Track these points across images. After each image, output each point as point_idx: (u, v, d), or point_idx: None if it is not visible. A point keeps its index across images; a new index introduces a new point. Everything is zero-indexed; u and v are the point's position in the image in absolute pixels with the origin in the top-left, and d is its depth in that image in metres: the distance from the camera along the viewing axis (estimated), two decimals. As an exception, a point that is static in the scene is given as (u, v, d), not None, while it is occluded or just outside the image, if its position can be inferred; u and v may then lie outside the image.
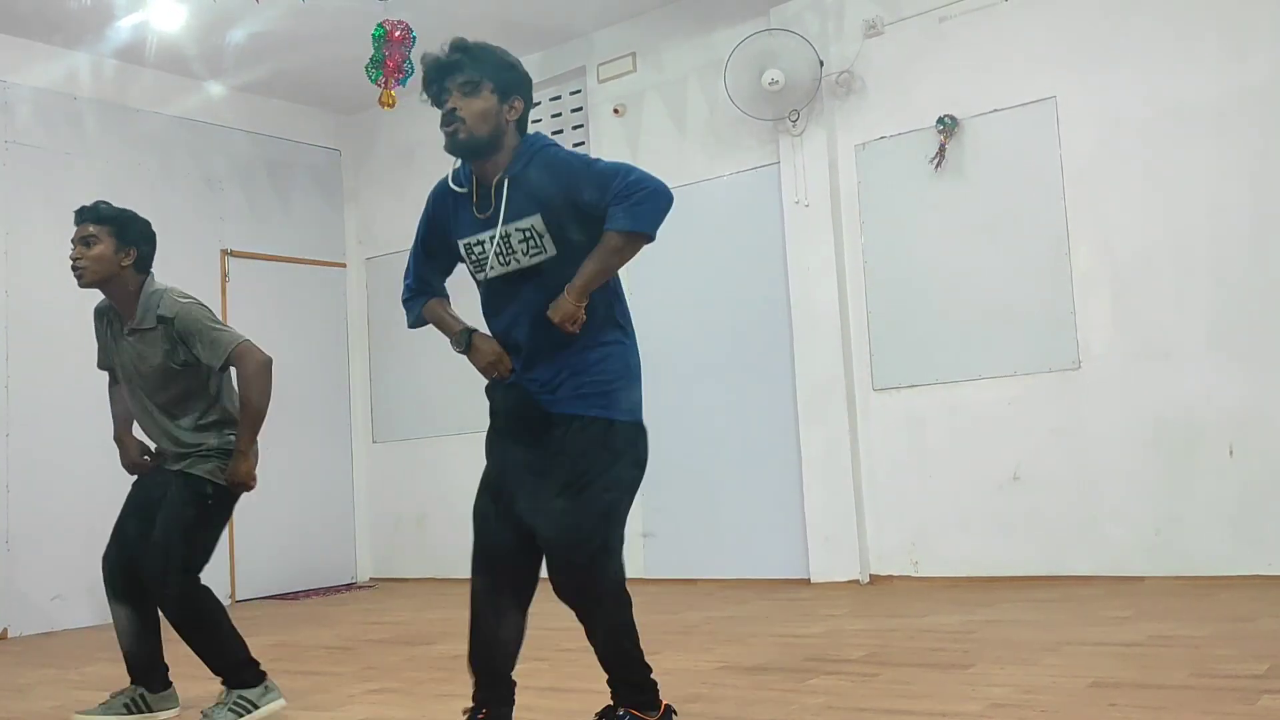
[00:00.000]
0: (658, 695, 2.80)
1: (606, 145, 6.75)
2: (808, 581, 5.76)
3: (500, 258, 2.73)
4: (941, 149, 5.48)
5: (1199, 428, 4.86)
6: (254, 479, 3.44)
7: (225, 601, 6.81)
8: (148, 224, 3.59)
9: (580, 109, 7.00)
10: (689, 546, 6.28)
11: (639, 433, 2.98)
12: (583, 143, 6.96)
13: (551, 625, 4.98)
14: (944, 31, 5.60)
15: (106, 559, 3.67)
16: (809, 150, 5.89)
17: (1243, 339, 4.79)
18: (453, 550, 7.51)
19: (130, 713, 3.46)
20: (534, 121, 7.58)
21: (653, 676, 2.82)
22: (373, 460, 7.74)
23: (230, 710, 3.29)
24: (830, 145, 5.87)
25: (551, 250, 2.68)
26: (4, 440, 5.96)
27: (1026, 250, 5.33)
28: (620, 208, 2.61)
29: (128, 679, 3.61)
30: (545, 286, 2.68)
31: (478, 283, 2.88)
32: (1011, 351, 5.35)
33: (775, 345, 5.97)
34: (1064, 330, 5.20)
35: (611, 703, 2.81)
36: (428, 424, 7.41)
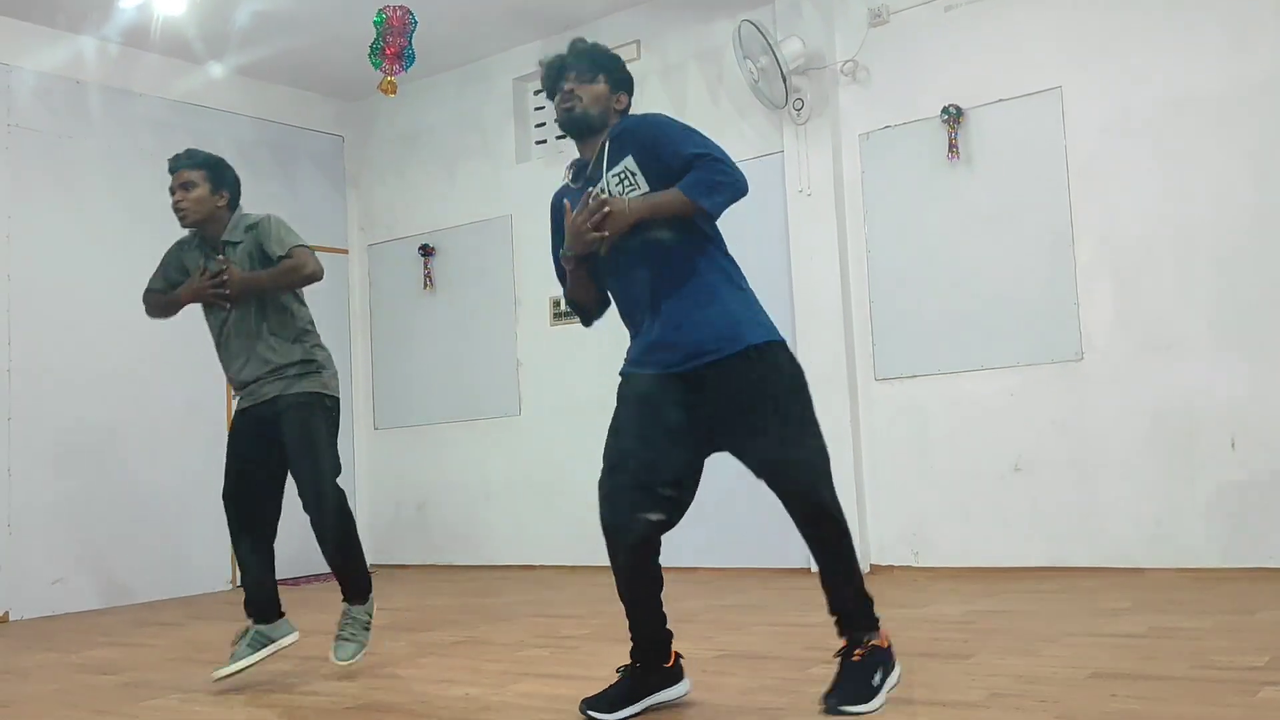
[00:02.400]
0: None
1: (610, 133, 6.73)
2: (808, 571, 5.76)
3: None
4: (953, 139, 5.46)
5: (1201, 420, 4.86)
6: (231, 287, 3.63)
7: (226, 587, 6.85)
8: (233, 169, 3.89)
9: (584, 96, 6.97)
10: (689, 535, 6.24)
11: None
12: (586, 130, 6.94)
13: (553, 613, 5.01)
14: (949, 21, 5.58)
15: (226, 496, 3.93)
16: (813, 139, 5.87)
17: (1245, 331, 4.79)
18: (452, 536, 7.56)
19: (256, 649, 3.69)
20: (537, 109, 7.59)
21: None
22: (374, 447, 7.74)
23: (364, 627, 3.66)
24: (834, 134, 5.85)
25: (643, 186, 2.88)
26: (6, 423, 5.96)
27: (1030, 241, 5.32)
28: (701, 175, 2.82)
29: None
30: (647, 231, 2.85)
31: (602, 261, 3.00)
32: (1014, 342, 5.34)
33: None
34: (1066, 321, 5.19)
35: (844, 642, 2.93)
36: (429, 411, 7.42)
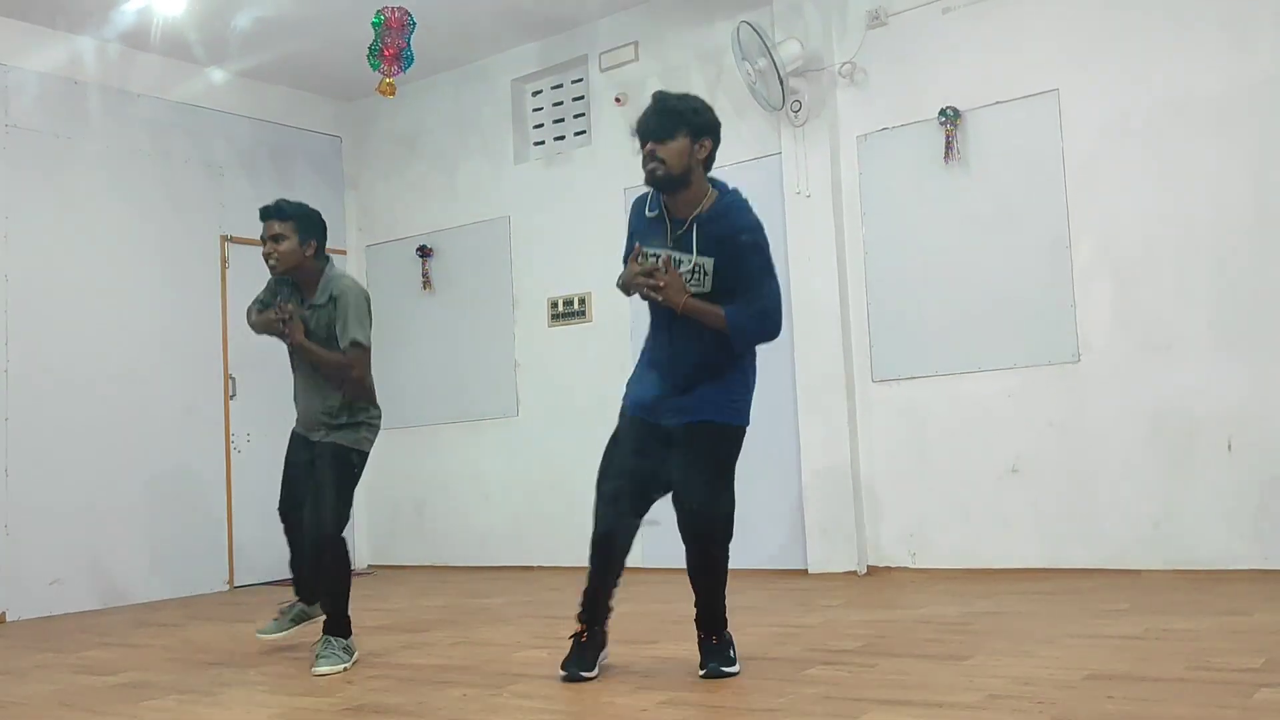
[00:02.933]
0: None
1: (608, 135, 6.74)
2: (805, 572, 5.77)
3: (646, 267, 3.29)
4: (949, 142, 5.47)
5: (1198, 421, 4.86)
6: (286, 326, 3.93)
7: (223, 587, 6.85)
8: (320, 216, 4.05)
9: (582, 98, 6.99)
10: (687, 536, 6.28)
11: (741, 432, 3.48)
12: (584, 131, 6.95)
13: (550, 614, 5.01)
14: (947, 23, 5.59)
15: (281, 505, 4.28)
16: (811, 141, 5.88)
17: (1243, 333, 4.80)
18: (450, 537, 7.56)
19: (298, 623, 4.24)
20: (535, 110, 7.61)
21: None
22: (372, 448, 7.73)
23: (343, 650, 3.86)
24: (832, 136, 5.86)
25: (707, 287, 3.27)
26: (4, 424, 5.96)
27: (1027, 243, 5.33)
28: (749, 318, 3.28)
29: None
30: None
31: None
32: (1011, 344, 5.35)
33: (775, 336, 5.97)
34: (1064, 323, 5.20)
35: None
36: (427, 411, 7.42)
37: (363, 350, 3.93)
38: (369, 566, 7.66)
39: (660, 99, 3.31)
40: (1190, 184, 4.93)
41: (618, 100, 6.67)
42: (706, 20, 6.33)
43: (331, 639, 3.89)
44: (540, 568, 6.85)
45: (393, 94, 5.58)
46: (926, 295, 5.58)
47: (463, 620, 4.91)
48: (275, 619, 4.30)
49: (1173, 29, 5.00)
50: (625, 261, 3.44)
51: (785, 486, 5.89)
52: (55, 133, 6.34)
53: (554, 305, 6.92)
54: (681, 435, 3.37)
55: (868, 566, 5.66)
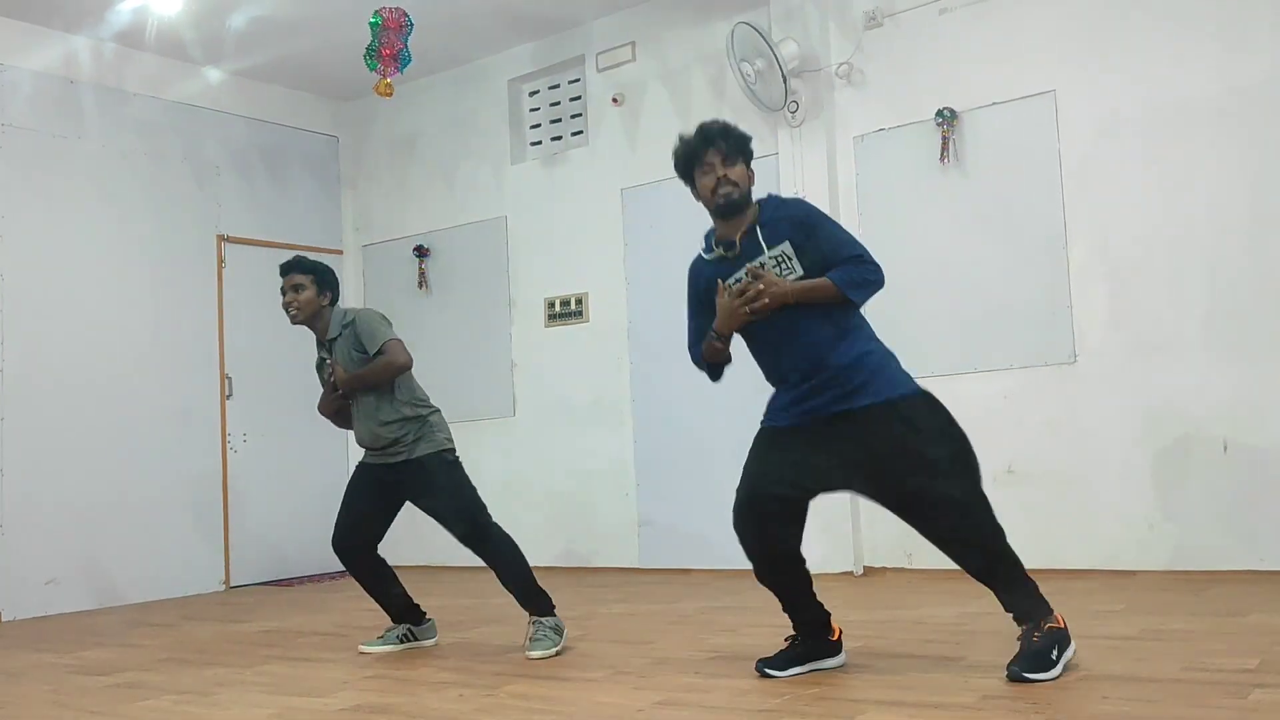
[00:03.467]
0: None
1: (606, 135, 6.74)
2: (802, 572, 5.77)
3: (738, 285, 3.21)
4: (945, 143, 5.48)
5: (1193, 422, 4.87)
6: (341, 380, 4.18)
7: (219, 587, 6.84)
8: (334, 273, 4.41)
9: (579, 98, 6.99)
10: (684, 537, 6.29)
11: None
12: (581, 131, 6.95)
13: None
14: (944, 24, 5.59)
15: (337, 541, 4.28)
16: (808, 142, 5.88)
17: (1238, 335, 4.80)
18: (446, 538, 7.53)
19: (403, 643, 4.27)
20: (532, 111, 7.59)
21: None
22: (368, 448, 7.73)
23: (553, 629, 3.96)
24: (829, 137, 5.86)
25: (799, 270, 3.21)
26: (-1, 424, 5.96)
27: (1023, 244, 5.34)
28: (853, 272, 3.25)
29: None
30: (792, 313, 3.19)
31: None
32: (1007, 345, 5.35)
33: (772, 336, 5.97)
34: (1060, 324, 5.21)
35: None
36: (423, 412, 7.40)
37: (395, 341, 4.16)
38: (365, 567, 7.65)
39: (718, 125, 3.33)
40: (1186, 185, 4.94)
41: (615, 100, 6.67)
42: (704, 20, 6.33)
43: (540, 620, 4.00)
44: (536, 568, 6.83)
45: (390, 94, 5.58)
46: (923, 296, 5.58)
47: (459, 620, 4.91)
48: (381, 636, 4.31)
49: (1169, 31, 5.00)
50: (693, 340, 3.45)
51: (781, 487, 5.88)
52: (51, 132, 6.33)
53: (551, 306, 6.92)
54: (870, 417, 3.23)
55: (864, 567, 5.66)
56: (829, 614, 3.38)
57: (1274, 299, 4.73)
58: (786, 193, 5.86)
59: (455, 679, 3.59)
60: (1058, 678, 2.96)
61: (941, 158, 5.50)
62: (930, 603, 4.58)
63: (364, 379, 4.14)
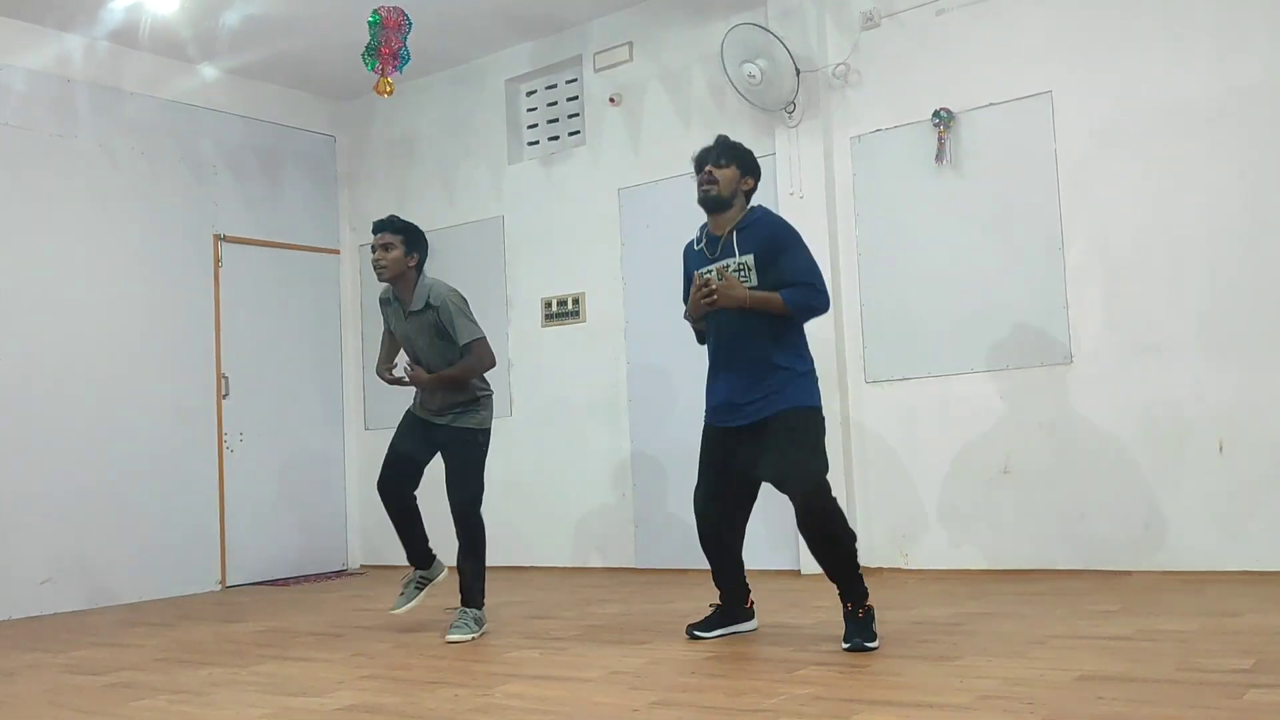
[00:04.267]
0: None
1: (603, 135, 6.75)
2: (798, 573, 5.78)
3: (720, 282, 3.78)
4: (941, 143, 5.48)
5: (1189, 423, 4.88)
6: (415, 381, 4.49)
7: (215, 587, 6.84)
8: (425, 236, 4.60)
9: (576, 98, 6.99)
10: (679, 537, 6.28)
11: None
12: (578, 131, 6.95)
13: (542, 615, 5.01)
14: (941, 25, 5.60)
15: (383, 486, 4.60)
16: (805, 142, 5.89)
17: (1234, 335, 4.81)
18: (442, 537, 7.53)
19: (421, 589, 4.69)
20: (529, 111, 7.59)
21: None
22: (365, 447, 7.73)
23: (474, 620, 4.37)
24: (826, 137, 5.87)
25: (753, 281, 3.79)
26: (-6, 423, 5.95)
27: (1020, 244, 5.34)
28: (803, 296, 3.79)
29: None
30: (745, 312, 3.76)
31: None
32: (1004, 345, 5.36)
33: (768, 337, 5.98)
34: (1056, 325, 5.21)
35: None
36: (420, 412, 7.40)
37: (482, 341, 4.45)
38: (361, 566, 7.66)
39: (722, 138, 4.02)
40: (1183, 186, 4.95)
41: (612, 100, 6.67)
42: (701, 20, 6.34)
43: (466, 610, 4.37)
44: (532, 568, 6.85)
45: (390, 93, 5.56)
46: (919, 296, 5.59)
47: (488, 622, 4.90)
48: (401, 594, 4.69)
49: (1165, 33, 5.01)
50: (685, 295, 3.99)
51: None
52: (46, 131, 6.32)
53: (548, 305, 6.92)
54: (765, 428, 3.76)
55: (860, 568, 5.65)
56: (749, 588, 4.13)
57: (1270, 300, 4.74)
58: (784, 192, 5.92)
59: (451, 679, 3.59)
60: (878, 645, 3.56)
61: (938, 158, 5.50)
62: (925, 603, 4.58)
63: (449, 381, 4.42)
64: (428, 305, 4.44)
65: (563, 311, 6.85)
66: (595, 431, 6.69)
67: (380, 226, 4.52)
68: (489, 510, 6.61)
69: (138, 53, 6.70)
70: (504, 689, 3.36)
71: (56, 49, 6.37)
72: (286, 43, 6.75)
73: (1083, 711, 2.67)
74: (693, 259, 4.02)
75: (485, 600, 4.48)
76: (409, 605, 4.67)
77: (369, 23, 5.33)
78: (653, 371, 6.42)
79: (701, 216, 4.03)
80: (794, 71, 5.68)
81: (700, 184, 3.90)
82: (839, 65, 5.83)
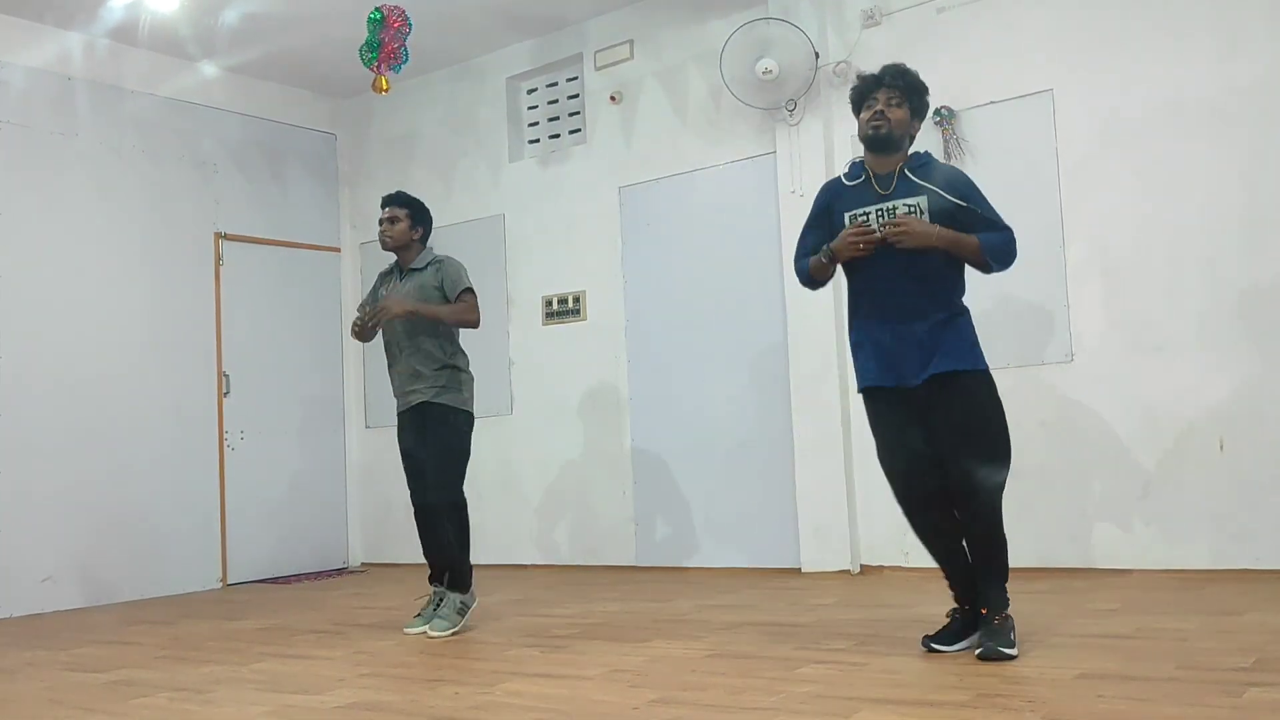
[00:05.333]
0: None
1: (604, 133, 6.74)
2: (798, 571, 5.78)
3: (880, 224, 3.43)
4: (947, 141, 5.48)
5: (1190, 421, 4.88)
6: (391, 313, 4.48)
7: (216, 585, 6.84)
8: (430, 212, 4.75)
9: (577, 96, 6.98)
10: (680, 535, 6.29)
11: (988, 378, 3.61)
12: (579, 129, 6.95)
13: (542, 613, 5.01)
14: (942, 23, 5.59)
15: (415, 497, 4.63)
16: (805, 140, 5.88)
17: (1234, 334, 4.81)
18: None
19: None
20: (530, 109, 7.58)
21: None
22: (365, 445, 7.74)
23: (457, 610, 4.45)
24: (827, 135, 5.86)
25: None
26: (-5, 421, 5.95)
27: (1021, 243, 5.29)
28: (999, 241, 3.52)
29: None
30: (911, 254, 3.40)
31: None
32: (1004, 344, 5.35)
33: (769, 335, 5.98)
34: (1057, 323, 5.21)
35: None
36: (421, 410, 7.40)
37: (473, 294, 4.57)
38: (362, 564, 7.66)
39: (901, 70, 3.53)
40: (1183, 185, 4.95)
41: (613, 99, 6.67)
42: (701, 19, 6.33)
43: (450, 595, 4.47)
44: (533, 566, 6.85)
45: (388, 91, 5.56)
46: (920, 295, 5.58)
47: (476, 599, 4.90)
48: (419, 614, 4.63)
49: (1166, 32, 5.01)
50: (800, 253, 3.68)
51: (779, 485, 5.89)
52: (47, 129, 6.32)
53: (548, 304, 6.92)
54: (935, 391, 3.44)
55: (861, 565, 5.66)
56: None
57: (1270, 298, 4.74)
58: (785, 191, 5.92)
59: (451, 676, 3.59)
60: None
61: (946, 156, 5.50)
62: (926, 601, 4.58)
63: (432, 313, 4.47)
64: (432, 262, 4.61)
65: (563, 310, 6.85)
66: (596, 429, 6.69)
67: (388, 200, 4.69)
68: (489, 507, 6.63)
69: (138, 50, 6.69)
70: (504, 687, 3.36)
71: (56, 47, 6.36)
72: (286, 40, 6.74)
73: (1082, 710, 2.67)
74: (845, 195, 3.59)
75: (473, 584, 4.58)
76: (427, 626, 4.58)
77: (369, 19, 5.32)
78: (653, 369, 6.42)
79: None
80: (812, 58, 5.67)
81: (868, 120, 3.49)
82: (839, 64, 5.82)
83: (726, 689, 3.17)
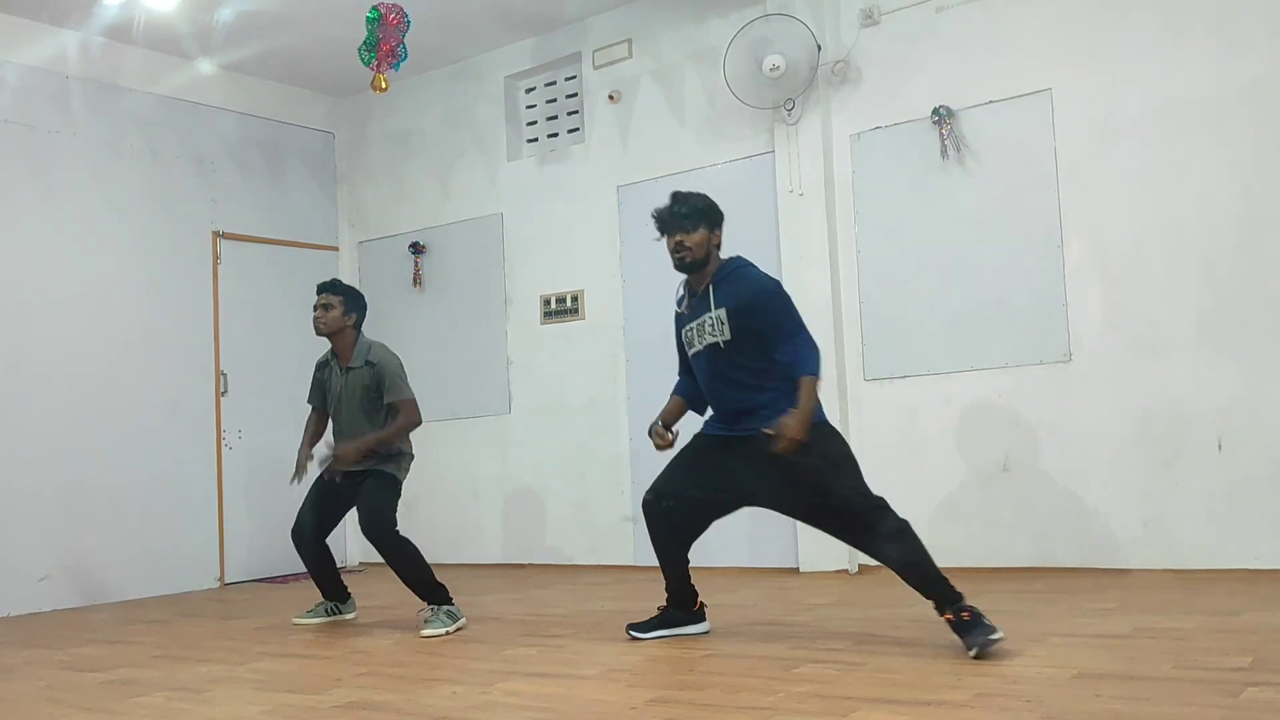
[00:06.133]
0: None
1: (601, 132, 6.74)
2: (796, 571, 5.78)
3: (699, 337, 3.91)
4: (942, 141, 5.48)
5: (1188, 421, 4.88)
6: (347, 462, 4.66)
7: (214, 584, 6.84)
8: (364, 299, 4.92)
9: (575, 95, 6.98)
10: (678, 534, 6.28)
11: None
12: (577, 128, 6.95)
13: (540, 612, 5.01)
14: (940, 22, 5.59)
15: (298, 531, 4.87)
16: (804, 139, 5.88)
17: (1232, 333, 4.81)
18: (441, 535, 7.54)
19: (329, 615, 4.98)
20: (529, 108, 7.58)
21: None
22: (363, 444, 7.72)
23: (446, 615, 4.51)
24: (825, 135, 5.86)
25: (727, 334, 3.81)
26: (-7, 420, 5.95)
27: (1019, 242, 5.34)
28: (805, 353, 3.79)
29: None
30: (721, 359, 3.84)
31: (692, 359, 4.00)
32: (1002, 343, 5.36)
33: (767, 334, 5.97)
34: (1055, 322, 5.21)
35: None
36: (419, 409, 7.40)
37: (411, 402, 4.71)
38: (360, 564, 7.66)
39: (681, 198, 3.95)
40: (1182, 184, 4.95)
41: (611, 97, 6.67)
42: (700, 18, 6.33)
43: (437, 607, 4.53)
44: (530, 565, 6.85)
45: (386, 90, 5.56)
46: (919, 294, 5.59)
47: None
48: (310, 609, 5.01)
49: (1164, 31, 5.01)
50: (680, 372, 4.16)
51: (776, 485, 5.88)
52: (44, 127, 6.31)
53: (546, 303, 6.91)
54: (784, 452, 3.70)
55: (859, 565, 5.66)
56: (696, 591, 4.12)
57: (1268, 297, 4.74)
58: (783, 190, 5.92)
59: (448, 676, 3.59)
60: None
61: (944, 154, 5.50)
62: (923, 600, 4.57)
63: (382, 445, 4.64)
64: (366, 362, 4.72)
65: (561, 309, 6.85)
66: (594, 429, 6.69)
67: (322, 288, 4.84)
68: (487, 507, 6.66)
69: (134, 48, 6.68)
70: (502, 686, 3.36)
71: (52, 44, 6.35)
72: (284, 38, 6.74)
73: (1080, 709, 2.66)
74: (680, 317, 4.06)
75: (451, 594, 4.63)
76: (313, 620, 4.96)
77: (368, 18, 5.32)
78: (652, 369, 6.41)
79: None
80: (815, 54, 5.69)
81: (672, 252, 3.91)
82: (838, 63, 5.82)
83: (724, 688, 3.17)
